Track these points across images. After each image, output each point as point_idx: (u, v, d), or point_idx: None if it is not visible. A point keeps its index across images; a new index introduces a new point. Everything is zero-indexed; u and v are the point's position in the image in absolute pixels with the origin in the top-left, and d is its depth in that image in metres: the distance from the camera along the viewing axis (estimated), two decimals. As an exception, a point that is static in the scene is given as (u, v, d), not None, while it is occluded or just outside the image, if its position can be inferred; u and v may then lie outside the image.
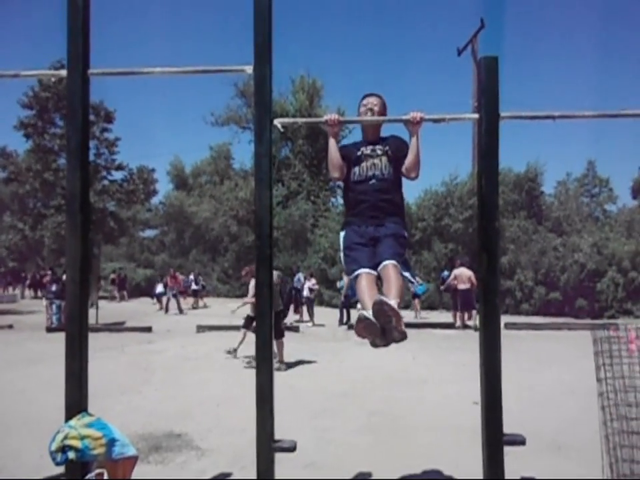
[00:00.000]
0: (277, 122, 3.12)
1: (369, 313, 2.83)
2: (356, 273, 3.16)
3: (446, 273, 16.37)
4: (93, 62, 3.23)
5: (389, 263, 3.11)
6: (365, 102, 3.38)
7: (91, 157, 23.27)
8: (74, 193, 3.19)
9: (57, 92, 21.47)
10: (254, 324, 8.44)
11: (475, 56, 25.23)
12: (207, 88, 63.27)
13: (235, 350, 9.22)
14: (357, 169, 3.31)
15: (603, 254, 17.78)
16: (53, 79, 3.40)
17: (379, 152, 3.33)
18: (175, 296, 19.45)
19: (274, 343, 8.99)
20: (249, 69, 3.05)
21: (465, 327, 13.23)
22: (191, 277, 23.62)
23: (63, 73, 3.21)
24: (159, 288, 22.18)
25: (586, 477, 3.78)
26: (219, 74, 3.39)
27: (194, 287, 23.13)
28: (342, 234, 3.39)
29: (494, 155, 3.05)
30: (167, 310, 19.29)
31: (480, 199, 3.15)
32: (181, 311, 18.99)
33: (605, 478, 2.95)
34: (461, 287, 13.49)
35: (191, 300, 22.71)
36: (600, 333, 3.12)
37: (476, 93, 21.66)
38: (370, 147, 3.35)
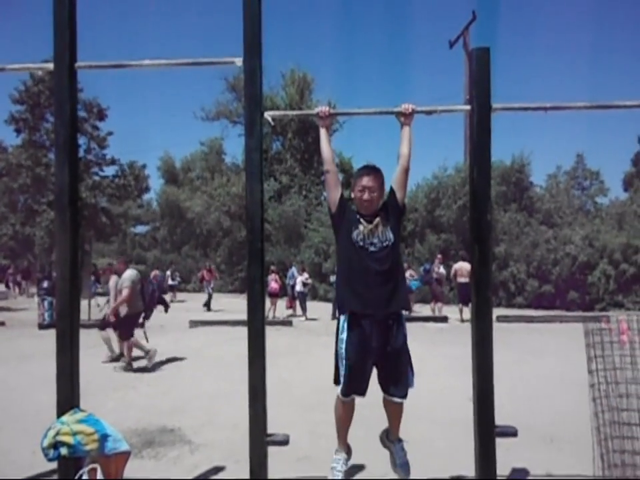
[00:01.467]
0: (267, 115, 3.10)
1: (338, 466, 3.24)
2: (344, 394, 3.17)
3: (427, 266, 16.69)
4: (82, 58, 3.20)
5: (400, 404, 3.22)
6: (362, 183, 3.18)
7: (81, 153, 23.17)
8: (62, 188, 3.17)
9: (49, 86, 21.27)
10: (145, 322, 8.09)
11: (466, 48, 25.22)
12: (197, 83, 62.92)
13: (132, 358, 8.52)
14: (355, 232, 3.16)
15: (595, 246, 17.86)
16: (40, 73, 3.37)
17: (377, 222, 3.19)
18: (209, 294, 18.88)
19: (123, 343, 8.52)
20: (239, 62, 3.04)
21: (464, 321, 13.17)
22: (168, 272, 24.01)
23: (50, 66, 3.17)
24: None
25: (577, 468, 3.80)
26: (209, 66, 3.36)
27: (170, 282, 23.51)
28: (343, 321, 3.20)
29: (486, 146, 3.05)
30: (209, 307, 18.47)
31: (472, 191, 3.16)
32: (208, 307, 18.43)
33: (596, 469, 2.97)
34: (461, 280, 13.56)
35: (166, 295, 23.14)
36: (591, 325, 3.13)
37: (468, 85, 21.67)
38: (367, 218, 3.20)
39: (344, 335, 3.15)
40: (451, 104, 3.25)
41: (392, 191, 3.27)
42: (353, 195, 3.29)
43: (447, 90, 51.19)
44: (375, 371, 3.22)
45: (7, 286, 28.13)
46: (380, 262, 3.11)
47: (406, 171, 3.23)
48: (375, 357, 3.14)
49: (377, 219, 3.17)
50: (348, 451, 3.36)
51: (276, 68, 31.15)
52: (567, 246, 18.23)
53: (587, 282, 17.53)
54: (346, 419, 3.28)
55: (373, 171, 3.24)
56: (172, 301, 22.35)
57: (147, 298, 8.84)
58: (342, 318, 3.21)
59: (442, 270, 15.79)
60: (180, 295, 25.25)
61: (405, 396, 3.19)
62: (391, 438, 3.37)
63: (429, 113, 3.16)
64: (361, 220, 3.17)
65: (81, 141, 23.44)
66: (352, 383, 3.13)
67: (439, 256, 16.71)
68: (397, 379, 3.17)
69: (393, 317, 3.15)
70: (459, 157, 25.16)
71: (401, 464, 3.28)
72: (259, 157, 3.08)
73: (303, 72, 30.42)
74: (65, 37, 3.10)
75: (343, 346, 3.15)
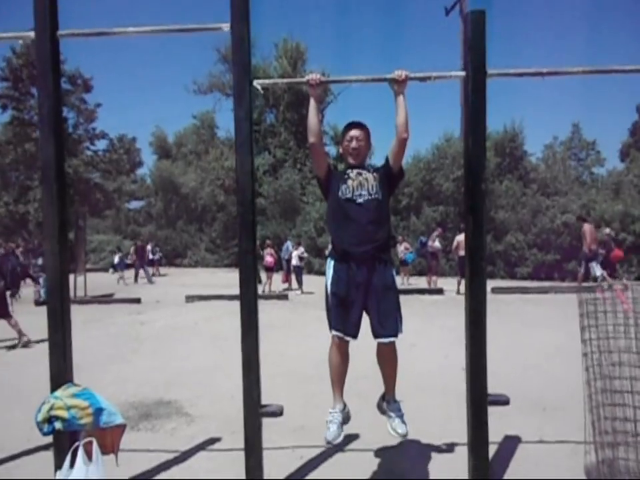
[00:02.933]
0: (257, 83, 3.03)
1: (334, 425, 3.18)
2: (334, 333, 3.13)
3: (423, 238, 16.67)
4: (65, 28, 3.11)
5: (389, 343, 3.14)
6: (349, 133, 3.22)
7: (70, 129, 22.91)
8: (48, 161, 3.11)
9: (30, 60, 20.93)
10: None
11: (462, 15, 24.77)
12: (187, 55, 61.80)
13: None
14: (343, 187, 3.16)
15: (592, 215, 17.81)
16: (21, 42, 3.27)
17: (367, 172, 3.20)
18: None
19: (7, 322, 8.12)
20: (226, 27, 2.95)
21: (460, 293, 12.86)
22: (148, 247, 24.03)
23: (31, 34, 3.08)
24: (117, 259, 22.32)
25: (569, 435, 3.85)
26: (200, 37, 3.26)
27: (151, 257, 23.74)
28: (330, 263, 3.24)
29: (481, 113, 2.99)
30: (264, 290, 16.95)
31: (467, 159, 3.11)
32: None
33: (587, 435, 3.00)
34: (462, 253, 13.39)
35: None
36: (585, 295, 3.13)
37: (463, 51, 21.39)
38: (357, 170, 3.21)
39: (330, 272, 3.19)
40: (446, 70, 3.17)
41: (387, 159, 3.25)
42: (341, 151, 3.32)
43: (442, 60, 50.52)
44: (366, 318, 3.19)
45: None
46: (367, 212, 3.10)
47: (404, 141, 3.15)
48: (362, 294, 3.10)
49: (367, 174, 3.17)
50: (344, 405, 3.31)
51: (268, 38, 30.65)
52: (565, 215, 18.18)
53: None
54: (340, 367, 3.23)
55: (359, 124, 3.27)
56: (153, 275, 22.66)
57: (8, 275, 8.71)
58: (329, 259, 3.26)
59: (437, 244, 15.67)
60: (175, 271, 25.33)
61: (393, 335, 3.11)
62: (387, 398, 3.34)
63: (424, 79, 3.08)
64: (350, 174, 3.18)
65: (69, 115, 23.18)
66: (341, 317, 3.10)
67: (439, 230, 16.33)
68: (385, 317, 3.11)
69: (378, 256, 3.14)
70: (456, 128, 24.97)
71: (399, 422, 3.21)
72: (248, 127, 3.01)
73: (296, 42, 29.89)
74: (45, 2, 2.99)
75: (329, 282, 3.18)
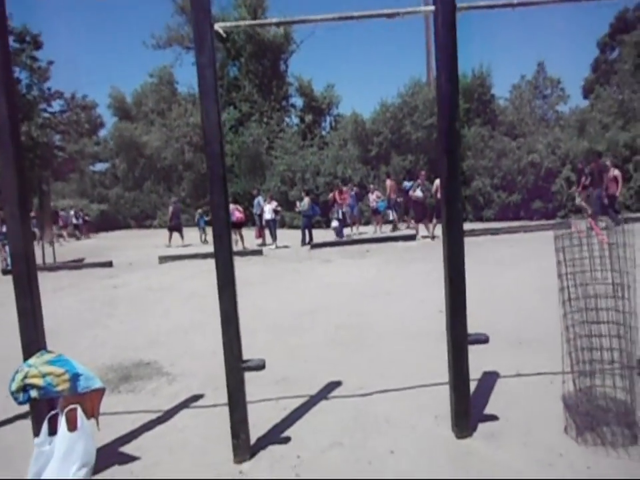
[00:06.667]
0: (218, 26, 2.86)
1: None
2: None
3: (407, 183, 16.39)
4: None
5: None
6: None
7: (23, 90, 21.82)
8: (2, 122, 2.92)
9: None
10: None
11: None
12: (140, 10, 58.71)
13: None
14: None
15: (557, 154, 17.98)
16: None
17: None
18: (342, 218, 15.56)
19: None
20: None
21: (434, 237, 13.11)
22: (72, 212, 25.04)
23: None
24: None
25: (546, 367, 3.95)
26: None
27: (74, 221, 24.83)
28: None
29: (452, 49, 2.89)
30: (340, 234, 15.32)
31: (439, 99, 3.02)
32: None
33: (565, 366, 3.06)
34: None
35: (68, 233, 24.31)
36: (560, 230, 3.13)
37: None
38: None
39: None
40: (413, 6, 3.04)
41: None
42: None
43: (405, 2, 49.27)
44: None
45: None
46: None
47: None
48: None
49: None
50: None
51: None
52: (531, 154, 18.33)
53: (550, 190, 17.76)
54: None
55: None
56: (78, 238, 24.27)
57: None
58: None
59: (418, 192, 15.04)
60: (147, 232, 25.09)
61: None
62: None
63: (392, 15, 2.95)
64: None
65: (21, 75, 22.09)
66: None
67: (420, 178, 15.00)
68: None
69: None
70: (423, 72, 24.68)
71: None
72: (212, 74, 2.86)
73: (256, -11, 28.72)
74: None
75: None
